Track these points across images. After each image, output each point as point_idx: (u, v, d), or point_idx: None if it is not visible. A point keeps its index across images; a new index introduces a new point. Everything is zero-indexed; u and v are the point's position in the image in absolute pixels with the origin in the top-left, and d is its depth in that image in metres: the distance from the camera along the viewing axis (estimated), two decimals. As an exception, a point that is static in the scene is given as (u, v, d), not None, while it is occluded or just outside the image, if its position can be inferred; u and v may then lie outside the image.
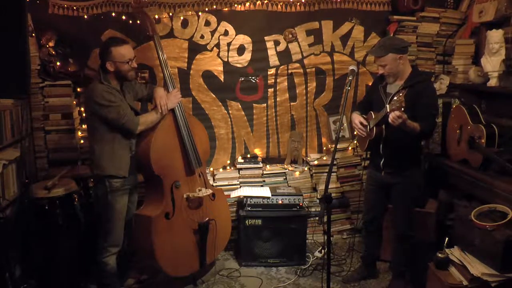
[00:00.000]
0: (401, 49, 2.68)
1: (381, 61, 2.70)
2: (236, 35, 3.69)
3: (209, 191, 3.03)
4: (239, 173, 3.80)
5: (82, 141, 3.47)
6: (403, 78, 2.75)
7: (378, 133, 2.76)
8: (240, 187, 3.69)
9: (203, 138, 3.16)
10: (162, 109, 2.81)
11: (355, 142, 3.70)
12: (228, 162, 3.94)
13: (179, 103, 2.94)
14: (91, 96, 2.60)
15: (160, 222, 2.80)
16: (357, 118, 2.92)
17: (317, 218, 3.72)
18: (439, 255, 2.53)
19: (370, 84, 3.74)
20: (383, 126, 2.73)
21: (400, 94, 2.39)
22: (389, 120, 2.43)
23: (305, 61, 3.84)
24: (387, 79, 2.79)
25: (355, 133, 3.57)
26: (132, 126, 2.65)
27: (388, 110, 2.48)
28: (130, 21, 3.43)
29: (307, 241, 3.52)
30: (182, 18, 3.59)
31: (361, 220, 3.28)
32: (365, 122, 2.87)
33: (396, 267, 3.06)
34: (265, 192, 3.49)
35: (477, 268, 2.33)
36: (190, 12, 3.57)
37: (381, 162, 2.86)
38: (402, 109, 2.40)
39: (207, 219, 3.00)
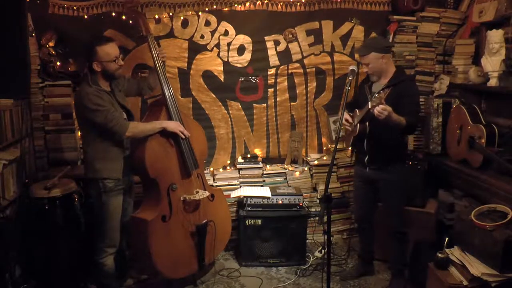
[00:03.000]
0: (384, 49, 2.78)
1: (364, 59, 2.81)
2: (236, 35, 3.69)
3: (207, 193, 3.00)
4: (239, 173, 3.80)
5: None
6: (387, 77, 2.82)
7: (362, 130, 2.83)
8: (240, 187, 3.69)
9: (200, 139, 3.12)
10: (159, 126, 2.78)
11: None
12: (228, 162, 3.94)
13: (175, 107, 2.91)
14: (80, 99, 2.58)
15: (156, 225, 2.78)
16: (344, 115, 2.99)
17: (317, 218, 3.73)
18: (439, 255, 2.53)
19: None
20: (367, 123, 2.80)
21: (381, 91, 2.49)
22: (375, 114, 2.48)
23: (305, 61, 3.84)
24: (371, 78, 2.87)
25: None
26: (119, 130, 2.58)
27: (369, 107, 2.54)
28: (130, 21, 3.43)
29: (307, 241, 3.53)
30: (182, 18, 3.59)
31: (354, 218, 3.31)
32: (350, 119, 2.94)
33: (394, 266, 3.08)
34: (265, 192, 3.49)
35: (477, 268, 2.33)
36: (190, 12, 3.57)
37: (366, 158, 2.92)
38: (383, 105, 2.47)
39: (205, 220, 2.99)
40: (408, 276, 3.04)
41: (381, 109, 2.43)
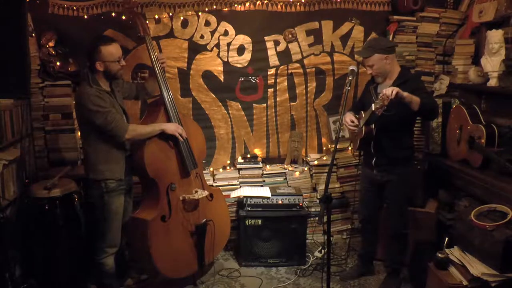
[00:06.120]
0: (387, 49, 2.74)
1: (368, 61, 2.77)
2: (236, 35, 3.69)
3: (206, 193, 3.00)
4: (239, 173, 3.80)
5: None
6: (392, 77, 2.80)
7: (368, 132, 2.80)
8: (240, 187, 3.69)
9: (198, 139, 3.12)
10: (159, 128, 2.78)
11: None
12: (228, 162, 3.94)
13: (173, 108, 2.90)
14: (80, 100, 2.57)
15: (156, 225, 2.78)
16: (348, 116, 2.97)
17: (317, 218, 3.73)
18: (439, 255, 2.53)
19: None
20: (373, 125, 2.78)
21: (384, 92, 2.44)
22: (383, 96, 2.41)
23: (305, 61, 3.84)
24: (376, 79, 2.85)
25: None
26: (119, 133, 2.58)
27: (373, 109, 2.53)
28: (130, 21, 3.42)
29: (307, 241, 3.53)
30: (182, 18, 3.58)
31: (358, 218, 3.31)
32: (356, 121, 2.92)
33: (390, 265, 3.08)
34: (265, 192, 3.49)
35: (477, 268, 2.33)
36: (190, 12, 3.57)
37: (373, 160, 2.90)
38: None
39: (204, 220, 2.99)
40: (403, 276, 3.05)
41: (389, 93, 2.36)
